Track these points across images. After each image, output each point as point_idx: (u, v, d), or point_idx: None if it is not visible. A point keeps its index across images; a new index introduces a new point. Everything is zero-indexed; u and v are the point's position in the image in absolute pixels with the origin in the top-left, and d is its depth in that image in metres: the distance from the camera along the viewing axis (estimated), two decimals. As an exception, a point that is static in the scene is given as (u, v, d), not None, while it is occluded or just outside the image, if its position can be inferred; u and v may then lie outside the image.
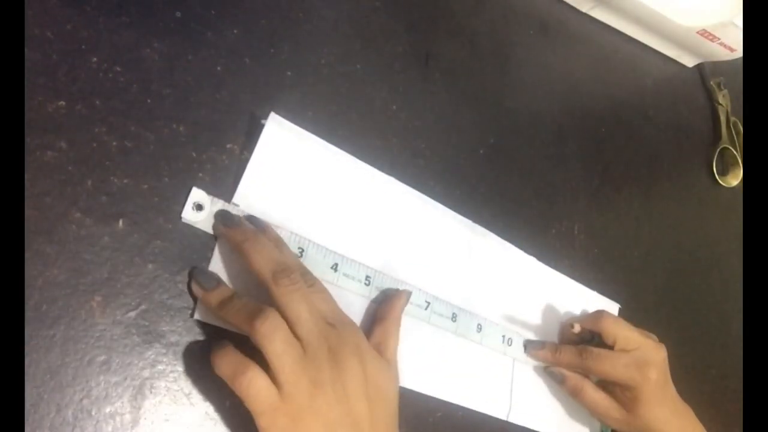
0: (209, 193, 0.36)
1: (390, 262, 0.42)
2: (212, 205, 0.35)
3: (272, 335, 0.30)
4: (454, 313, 0.44)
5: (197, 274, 0.34)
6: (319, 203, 0.40)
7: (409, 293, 0.41)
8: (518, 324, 0.48)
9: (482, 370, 0.46)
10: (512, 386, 0.47)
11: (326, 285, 0.36)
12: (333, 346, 0.33)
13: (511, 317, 0.48)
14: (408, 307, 0.41)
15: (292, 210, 0.38)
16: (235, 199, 0.37)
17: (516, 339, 0.48)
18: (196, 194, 0.35)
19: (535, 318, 0.50)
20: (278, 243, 0.36)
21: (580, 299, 0.53)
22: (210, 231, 0.35)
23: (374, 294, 0.41)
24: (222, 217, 0.35)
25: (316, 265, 0.38)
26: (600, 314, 0.48)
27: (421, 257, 0.44)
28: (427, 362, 0.42)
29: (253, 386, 0.30)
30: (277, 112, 0.39)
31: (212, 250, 0.36)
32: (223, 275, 0.35)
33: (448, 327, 0.44)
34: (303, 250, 0.38)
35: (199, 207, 0.35)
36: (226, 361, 0.31)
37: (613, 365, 0.45)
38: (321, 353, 0.32)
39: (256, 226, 0.36)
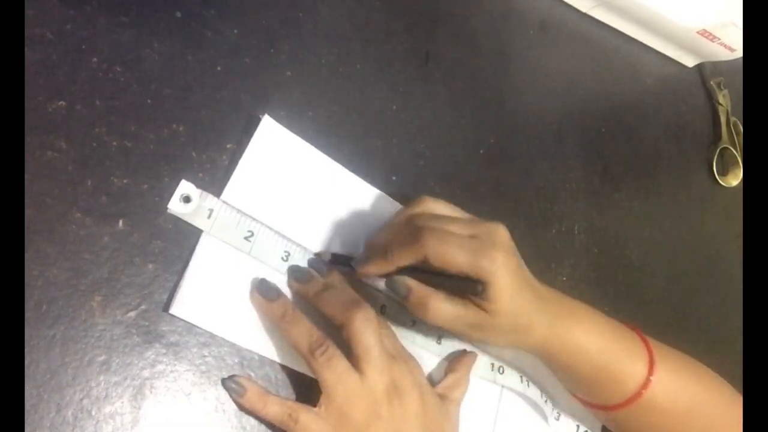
0: (209, 193, 0.36)
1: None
2: (201, 198, 0.35)
3: (327, 364, 0.33)
4: (440, 336, 0.43)
5: (261, 284, 0.36)
6: (307, 209, 0.39)
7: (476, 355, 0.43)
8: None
9: (467, 399, 0.42)
10: (497, 417, 0.45)
11: None
12: (395, 379, 0.35)
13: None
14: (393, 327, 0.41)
15: (280, 213, 0.38)
16: (224, 196, 0.36)
17: (507, 368, 0.45)
18: (185, 186, 0.35)
19: None
20: (344, 285, 0.38)
21: None
22: (196, 225, 0.35)
23: None
24: (293, 272, 0.37)
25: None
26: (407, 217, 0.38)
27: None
28: None
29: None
30: (277, 112, 0.39)
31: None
32: (203, 284, 0.35)
33: (434, 350, 0.42)
34: (289, 254, 0.38)
35: (187, 199, 0.35)
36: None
37: (459, 246, 0.35)
38: (381, 386, 0.34)
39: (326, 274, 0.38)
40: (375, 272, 0.37)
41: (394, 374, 0.35)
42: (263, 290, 0.36)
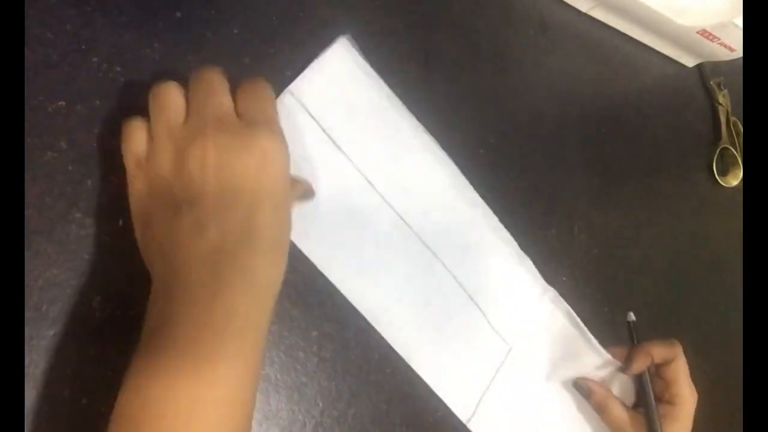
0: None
1: (411, 215, 0.42)
2: None
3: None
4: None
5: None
6: (362, 132, 0.40)
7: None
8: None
9: (468, 349, 0.44)
10: (492, 383, 0.45)
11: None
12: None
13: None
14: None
15: (337, 125, 0.39)
16: (292, 87, 0.37)
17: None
18: None
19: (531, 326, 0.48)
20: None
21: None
22: None
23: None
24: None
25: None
26: (678, 353, 0.46)
27: (442, 230, 0.44)
28: (408, 305, 0.42)
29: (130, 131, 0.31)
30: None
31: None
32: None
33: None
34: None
35: None
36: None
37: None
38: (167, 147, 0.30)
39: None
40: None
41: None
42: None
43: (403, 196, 0.42)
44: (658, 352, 0.45)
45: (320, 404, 0.38)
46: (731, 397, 0.63)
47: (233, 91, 0.32)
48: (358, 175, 0.40)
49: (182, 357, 0.27)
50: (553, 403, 0.48)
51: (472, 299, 0.45)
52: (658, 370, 0.46)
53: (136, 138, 0.31)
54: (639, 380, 0.46)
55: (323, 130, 0.38)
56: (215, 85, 0.32)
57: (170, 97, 0.31)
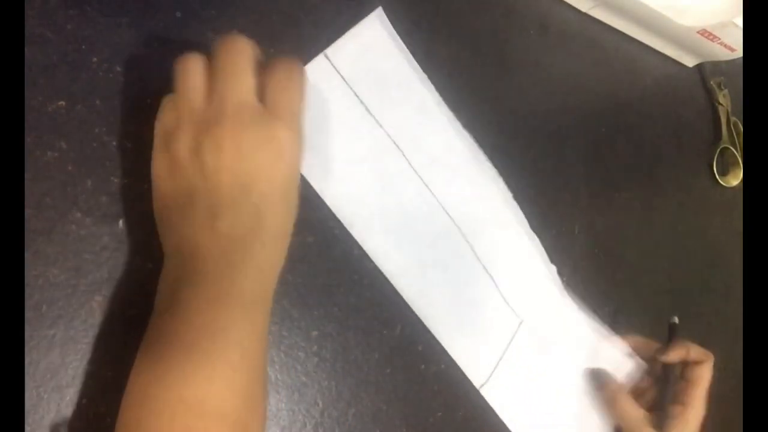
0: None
1: (436, 183, 0.44)
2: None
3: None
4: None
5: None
6: (391, 100, 0.42)
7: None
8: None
9: (482, 318, 0.45)
10: (505, 354, 0.45)
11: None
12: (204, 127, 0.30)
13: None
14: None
15: (369, 91, 0.40)
16: (328, 51, 0.38)
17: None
18: None
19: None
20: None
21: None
22: None
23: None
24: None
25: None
26: (710, 358, 0.48)
27: (463, 201, 0.45)
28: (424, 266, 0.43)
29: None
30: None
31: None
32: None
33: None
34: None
35: None
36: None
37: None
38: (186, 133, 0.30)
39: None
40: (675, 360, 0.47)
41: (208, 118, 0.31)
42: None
43: (428, 165, 0.43)
44: (694, 350, 0.47)
45: (320, 404, 0.38)
46: (731, 397, 0.63)
47: (263, 69, 0.32)
48: (387, 139, 0.41)
49: (192, 339, 0.28)
50: (563, 380, 0.48)
51: (486, 270, 0.45)
52: (683, 371, 0.47)
53: (167, 115, 0.32)
54: (665, 373, 0.46)
55: (355, 95, 0.39)
56: (240, 65, 0.31)
57: (193, 77, 0.31)
